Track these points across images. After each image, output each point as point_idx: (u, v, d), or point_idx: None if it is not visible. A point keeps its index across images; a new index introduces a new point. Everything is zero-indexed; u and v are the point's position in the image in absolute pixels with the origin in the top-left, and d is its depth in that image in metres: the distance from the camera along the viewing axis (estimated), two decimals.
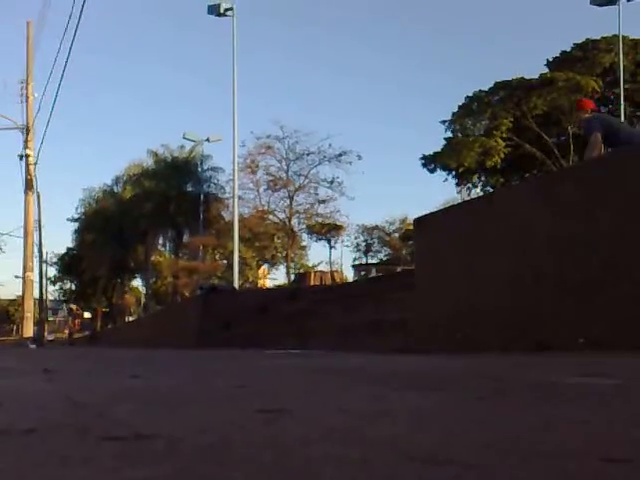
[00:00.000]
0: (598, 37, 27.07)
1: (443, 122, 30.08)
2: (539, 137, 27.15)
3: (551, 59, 28.76)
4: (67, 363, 5.41)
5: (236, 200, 19.92)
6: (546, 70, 28.21)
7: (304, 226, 31.62)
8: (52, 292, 47.16)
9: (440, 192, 34.13)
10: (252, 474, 0.95)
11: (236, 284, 17.68)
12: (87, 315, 41.79)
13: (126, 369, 3.83)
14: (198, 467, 0.99)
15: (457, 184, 30.84)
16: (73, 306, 38.12)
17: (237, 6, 19.07)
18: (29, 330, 22.49)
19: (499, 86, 28.01)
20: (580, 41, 27.83)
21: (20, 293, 25.75)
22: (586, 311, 3.57)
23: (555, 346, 3.55)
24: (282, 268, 34.67)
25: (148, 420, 1.51)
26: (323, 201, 29.39)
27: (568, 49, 28.03)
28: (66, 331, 32.81)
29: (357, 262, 41.02)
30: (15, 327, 47.48)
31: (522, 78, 27.59)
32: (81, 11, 12.54)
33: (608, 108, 28.08)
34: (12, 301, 55.67)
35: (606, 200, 3.56)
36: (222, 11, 18.93)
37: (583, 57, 27.13)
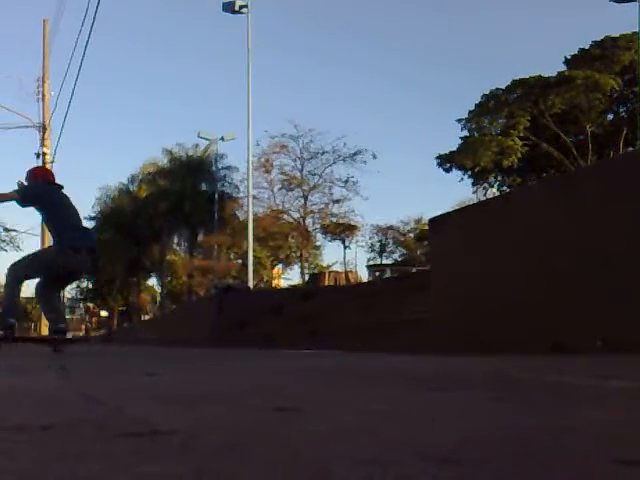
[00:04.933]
0: (617, 35, 26.71)
1: (459, 121, 29.90)
2: (557, 136, 26.87)
3: (569, 57, 28.43)
4: (83, 360, 5.47)
5: (250, 199, 20.03)
6: (564, 68, 27.90)
7: (318, 226, 31.67)
8: (69, 290, 47.74)
9: (456, 192, 34.09)
10: (266, 473, 0.95)
11: (250, 284, 17.76)
12: (104, 313, 42.27)
13: (142, 366, 3.87)
14: (212, 464, 1.00)
15: (473, 184, 30.66)
16: (90, 304, 38.60)
17: (252, 3, 19.14)
18: (46, 328, 22.76)
19: (516, 84, 27.75)
20: (599, 39, 27.48)
21: None
22: (604, 312, 3.52)
23: (572, 348, 3.51)
24: (296, 268, 34.76)
25: (164, 417, 1.52)
26: (337, 201, 29.43)
27: (587, 47, 27.69)
28: (83, 326, 33.20)
29: (372, 262, 40.98)
30: (33, 325, 48.12)
31: (540, 76, 27.31)
32: (97, 8, 12.65)
33: (626, 107, 27.71)
34: (30, 299, 56.41)
35: (626, 200, 3.52)
36: (237, 8, 19.00)
37: (602, 55, 26.78)
